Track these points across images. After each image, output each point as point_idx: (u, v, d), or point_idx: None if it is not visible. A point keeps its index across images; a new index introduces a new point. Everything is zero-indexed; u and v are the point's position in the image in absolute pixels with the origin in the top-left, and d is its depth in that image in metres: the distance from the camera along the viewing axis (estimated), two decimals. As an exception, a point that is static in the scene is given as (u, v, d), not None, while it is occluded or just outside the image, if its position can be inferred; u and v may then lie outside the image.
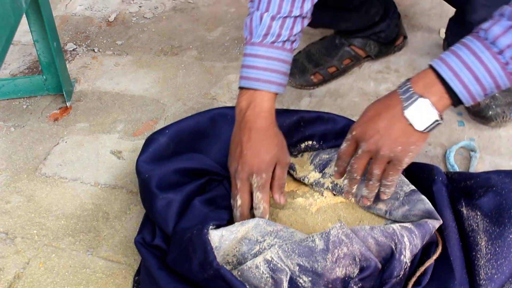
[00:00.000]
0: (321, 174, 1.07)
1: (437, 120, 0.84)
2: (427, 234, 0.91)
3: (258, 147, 0.97)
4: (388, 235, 0.87)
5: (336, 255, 0.84)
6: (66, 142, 1.35)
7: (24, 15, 1.22)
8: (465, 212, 1.01)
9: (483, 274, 0.93)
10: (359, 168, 0.92)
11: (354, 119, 1.35)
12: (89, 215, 1.17)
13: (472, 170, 1.19)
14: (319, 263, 0.84)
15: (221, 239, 0.90)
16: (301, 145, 1.13)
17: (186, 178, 1.05)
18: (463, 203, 1.02)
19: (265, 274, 0.85)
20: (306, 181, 1.07)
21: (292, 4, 1.00)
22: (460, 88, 0.82)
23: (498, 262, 0.93)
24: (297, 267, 0.84)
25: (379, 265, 0.87)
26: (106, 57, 1.63)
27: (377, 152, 0.88)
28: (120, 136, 1.35)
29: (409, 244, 0.88)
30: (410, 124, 0.85)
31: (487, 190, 1.02)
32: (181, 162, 1.07)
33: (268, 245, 0.89)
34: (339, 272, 0.84)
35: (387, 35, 1.47)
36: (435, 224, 0.92)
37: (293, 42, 1.03)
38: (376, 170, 0.91)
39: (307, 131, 1.13)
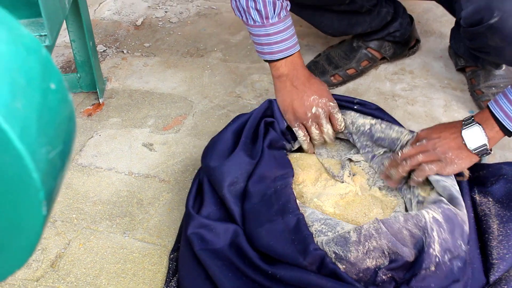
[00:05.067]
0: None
1: (485, 145, 1.00)
2: (456, 228, 0.95)
3: (301, 94, 1.18)
4: (420, 228, 0.93)
5: (367, 247, 0.92)
6: (100, 135, 1.43)
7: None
8: (478, 198, 1.08)
9: (495, 254, 1.00)
10: (407, 155, 1.05)
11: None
12: (124, 201, 1.25)
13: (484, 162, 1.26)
14: (351, 253, 0.92)
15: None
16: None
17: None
18: (476, 191, 1.10)
19: None
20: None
21: None
22: (510, 124, 0.99)
23: (510, 243, 1.00)
24: (333, 255, 0.93)
25: (411, 258, 0.92)
26: (135, 58, 1.72)
27: (433, 149, 1.03)
28: (151, 130, 1.43)
29: (437, 238, 0.92)
30: (465, 144, 1.00)
31: (498, 178, 1.09)
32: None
33: (315, 230, 0.98)
34: (369, 263, 0.92)
35: (401, 34, 1.55)
36: (463, 218, 0.97)
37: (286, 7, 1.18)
38: (420, 157, 1.03)
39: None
